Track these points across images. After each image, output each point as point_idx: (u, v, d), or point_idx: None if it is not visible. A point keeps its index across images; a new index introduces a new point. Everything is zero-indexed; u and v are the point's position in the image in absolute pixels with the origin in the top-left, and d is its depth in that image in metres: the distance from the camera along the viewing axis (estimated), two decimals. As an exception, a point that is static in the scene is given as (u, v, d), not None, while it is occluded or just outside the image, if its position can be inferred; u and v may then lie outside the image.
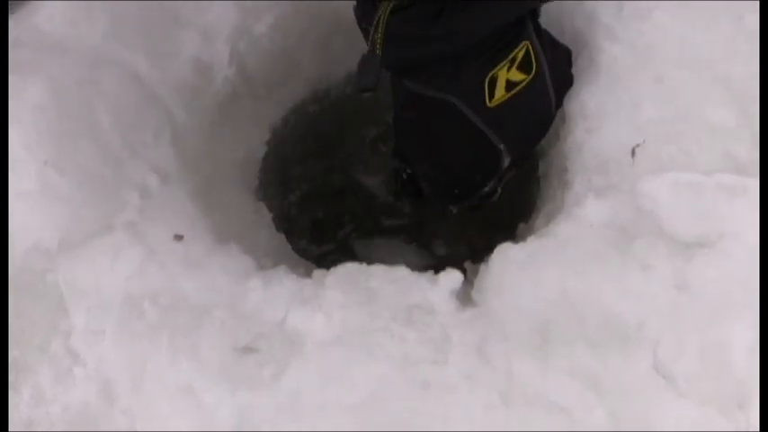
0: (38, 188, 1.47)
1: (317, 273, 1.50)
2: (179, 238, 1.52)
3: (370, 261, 1.51)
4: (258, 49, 1.90)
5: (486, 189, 1.66)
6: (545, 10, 1.59)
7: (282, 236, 1.89)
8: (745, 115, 1.53)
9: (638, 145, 1.51)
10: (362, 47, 1.76)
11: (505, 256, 1.45)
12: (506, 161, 1.58)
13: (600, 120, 1.58)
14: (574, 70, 1.66)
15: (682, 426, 1.26)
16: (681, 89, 1.56)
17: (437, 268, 1.49)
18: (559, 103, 1.62)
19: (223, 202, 1.75)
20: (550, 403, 1.29)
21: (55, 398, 1.37)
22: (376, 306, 1.40)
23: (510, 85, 1.50)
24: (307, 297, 1.42)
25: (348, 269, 1.48)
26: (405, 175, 1.71)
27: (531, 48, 1.51)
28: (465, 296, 1.45)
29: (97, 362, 1.38)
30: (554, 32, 1.63)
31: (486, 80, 1.48)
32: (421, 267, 1.51)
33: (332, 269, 1.49)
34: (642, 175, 1.48)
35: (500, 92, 1.49)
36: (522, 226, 1.77)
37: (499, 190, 1.70)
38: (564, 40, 1.63)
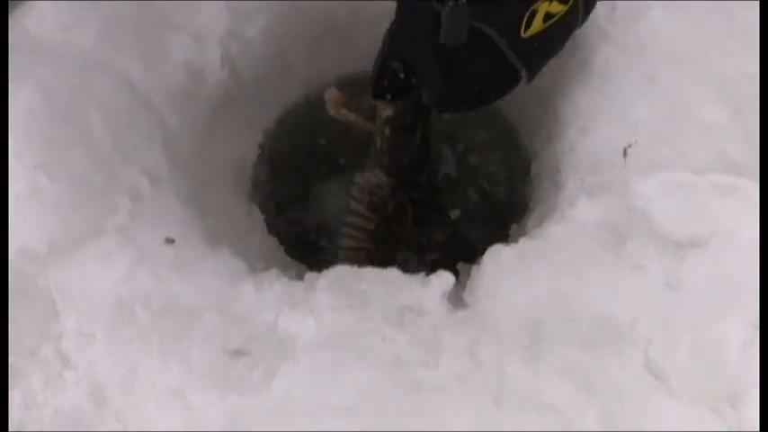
0: (28, 192, 1.46)
1: (309, 276, 1.49)
2: (170, 241, 1.51)
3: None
4: (250, 52, 1.90)
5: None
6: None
7: (274, 239, 1.89)
8: (737, 114, 1.53)
9: (630, 145, 1.51)
10: (355, 48, 1.77)
11: (497, 258, 1.45)
12: (523, 83, 1.53)
13: (592, 120, 1.58)
14: (567, 70, 1.66)
15: (674, 425, 1.26)
16: (673, 88, 1.56)
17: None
18: (584, 21, 1.57)
19: (215, 205, 1.74)
20: (542, 404, 1.28)
21: (46, 402, 1.36)
22: (367, 308, 1.40)
23: (547, 16, 1.46)
24: (298, 300, 1.42)
25: (339, 272, 1.47)
26: (403, 76, 1.60)
27: None
28: (457, 298, 1.45)
29: (88, 366, 1.37)
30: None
31: (527, 13, 1.44)
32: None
33: (323, 272, 1.48)
34: (634, 175, 1.48)
35: (537, 24, 1.46)
36: (514, 227, 1.77)
37: None
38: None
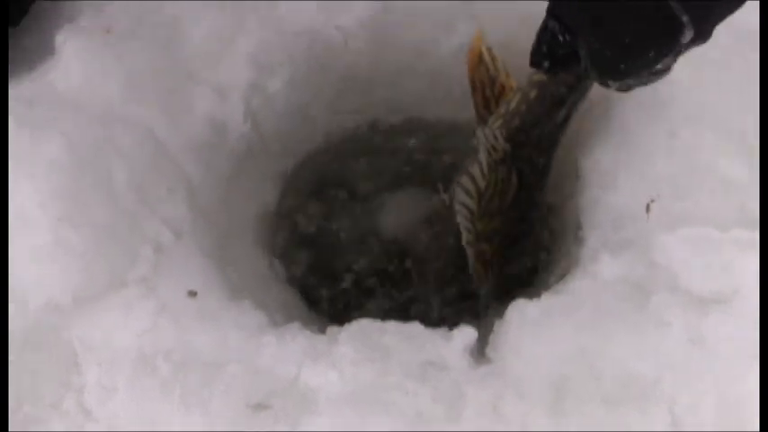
0: (51, 244, 1.47)
1: (331, 329, 1.49)
2: (192, 294, 1.52)
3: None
4: (273, 106, 1.91)
5: (659, 66, 1.34)
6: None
7: (296, 291, 1.89)
8: (758, 168, 1.52)
9: (652, 200, 1.51)
10: (376, 102, 1.77)
11: (520, 313, 1.45)
12: (688, 35, 1.27)
13: (614, 176, 1.58)
14: (587, 126, 1.67)
15: (698, 485, 1.25)
16: (694, 144, 1.56)
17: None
18: None
19: (237, 257, 1.75)
20: (565, 462, 1.28)
21: (67, 455, 1.36)
22: (389, 362, 1.40)
23: None
24: (320, 353, 1.42)
25: (362, 325, 1.47)
26: (561, 38, 1.41)
27: None
28: (479, 353, 1.44)
29: (109, 418, 1.37)
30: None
31: None
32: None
33: (345, 325, 1.48)
34: (657, 231, 1.47)
35: None
36: (537, 282, 1.77)
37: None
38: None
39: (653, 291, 1.41)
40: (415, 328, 1.46)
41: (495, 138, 1.65)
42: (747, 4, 1.48)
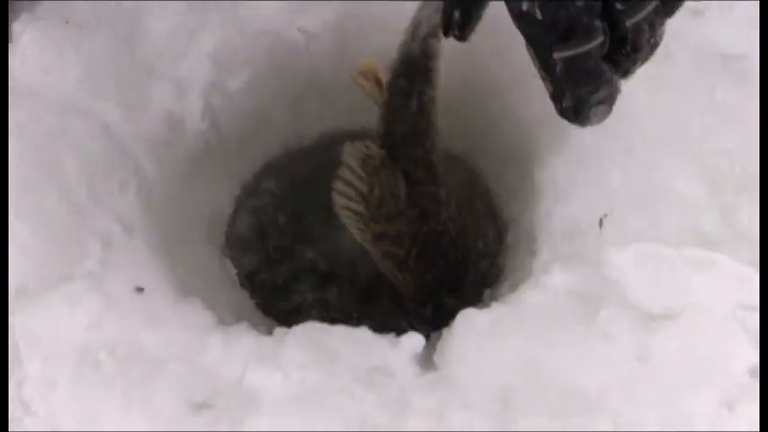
0: (-4, 234, 1.45)
1: (278, 330, 1.47)
2: (140, 290, 1.50)
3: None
4: (232, 106, 1.89)
5: None
6: (525, 82, 1.61)
7: (246, 292, 1.87)
8: (714, 189, 1.53)
9: (606, 215, 1.51)
10: (337, 107, 1.76)
11: (469, 321, 1.44)
12: None
13: (569, 189, 1.58)
14: (546, 138, 1.67)
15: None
16: (651, 161, 1.57)
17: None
18: None
19: (188, 256, 1.73)
20: (507, 473, 1.27)
21: (3, 448, 1.33)
22: (336, 366, 1.38)
23: None
24: (266, 355, 1.40)
25: (309, 328, 1.46)
26: None
27: None
28: (427, 360, 1.43)
29: (49, 412, 1.35)
30: (524, 104, 1.61)
31: None
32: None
33: (293, 327, 1.46)
34: (609, 246, 1.47)
35: None
36: (487, 292, 1.76)
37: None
38: (534, 111, 1.63)
39: (602, 305, 1.40)
40: (363, 333, 1.45)
41: (367, 147, 1.68)
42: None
